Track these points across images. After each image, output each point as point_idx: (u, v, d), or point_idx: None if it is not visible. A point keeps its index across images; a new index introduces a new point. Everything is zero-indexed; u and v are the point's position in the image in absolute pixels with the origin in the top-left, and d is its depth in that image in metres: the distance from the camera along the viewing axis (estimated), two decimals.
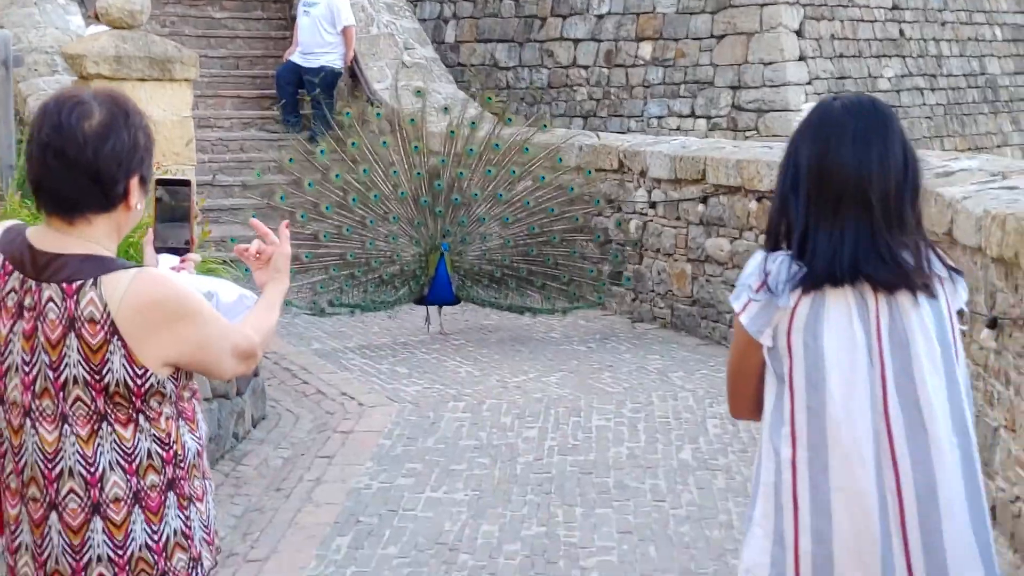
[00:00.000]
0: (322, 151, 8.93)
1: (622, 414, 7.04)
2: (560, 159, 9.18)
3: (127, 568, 2.57)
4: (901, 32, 13.90)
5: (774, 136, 11.60)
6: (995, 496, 5.11)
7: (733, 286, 2.84)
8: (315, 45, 12.55)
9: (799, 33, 12.51)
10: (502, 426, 6.81)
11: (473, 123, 9.03)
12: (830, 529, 2.67)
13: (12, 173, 8.78)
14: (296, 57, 12.64)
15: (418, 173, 8.78)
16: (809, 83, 12.63)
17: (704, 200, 9.03)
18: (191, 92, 9.61)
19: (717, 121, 12.70)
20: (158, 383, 2.54)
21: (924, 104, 14.45)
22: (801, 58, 12.63)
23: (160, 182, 2.87)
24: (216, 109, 13.14)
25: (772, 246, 2.73)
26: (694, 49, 12.75)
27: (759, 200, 8.46)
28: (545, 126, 9.52)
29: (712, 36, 12.65)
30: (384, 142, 8.80)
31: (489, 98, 10.18)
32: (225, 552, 5.15)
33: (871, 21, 13.55)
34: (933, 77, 14.58)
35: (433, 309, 9.08)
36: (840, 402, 2.65)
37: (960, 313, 2.78)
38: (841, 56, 13.11)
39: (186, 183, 2.88)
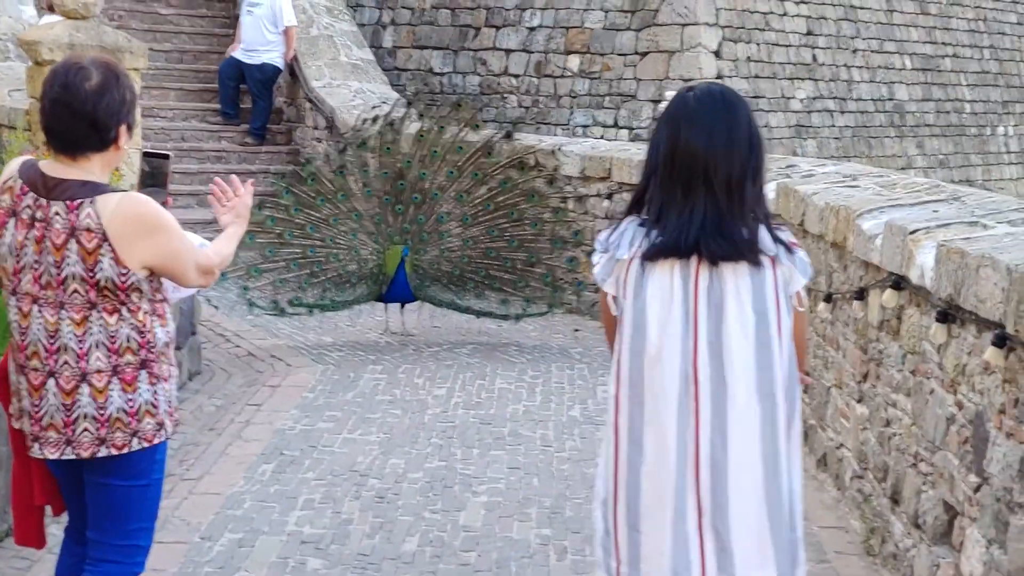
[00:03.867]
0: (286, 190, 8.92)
1: (523, 379, 7.90)
2: (522, 166, 9.15)
3: (107, 425, 3.37)
4: (814, 57, 14.58)
5: None
6: (826, 444, 6.02)
7: None
8: (257, 43, 13.10)
9: (717, 54, 13.19)
10: (415, 385, 7.63)
11: (441, 126, 8.98)
12: (640, 460, 3.01)
13: None
14: (239, 54, 13.15)
15: (384, 173, 8.93)
16: None
17: (610, 196, 9.94)
18: (140, 81, 10.31)
19: (639, 132, 13.40)
20: (137, 281, 3.34)
21: (833, 126, 15.09)
22: (719, 77, 13.16)
23: (145, 154, 3.74)
24: (160, 100, 13.75)
25: (634, 212, 3.12)
26: (619, 64, 13.40)
27: None
28: (511, 134, 9.46)
29: (636, 52, 13.28)
30: (341, 196, 8.83)
31: (459, 104, 9.72)
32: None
33: (786, 46, 14.22)
34: (843, 100, 15.19)
35: (393, 308, 9.27)
36: (655, 344, 2.99)
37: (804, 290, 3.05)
38: (756, 77, 13.78)
39: (166, 156, 3.74)
